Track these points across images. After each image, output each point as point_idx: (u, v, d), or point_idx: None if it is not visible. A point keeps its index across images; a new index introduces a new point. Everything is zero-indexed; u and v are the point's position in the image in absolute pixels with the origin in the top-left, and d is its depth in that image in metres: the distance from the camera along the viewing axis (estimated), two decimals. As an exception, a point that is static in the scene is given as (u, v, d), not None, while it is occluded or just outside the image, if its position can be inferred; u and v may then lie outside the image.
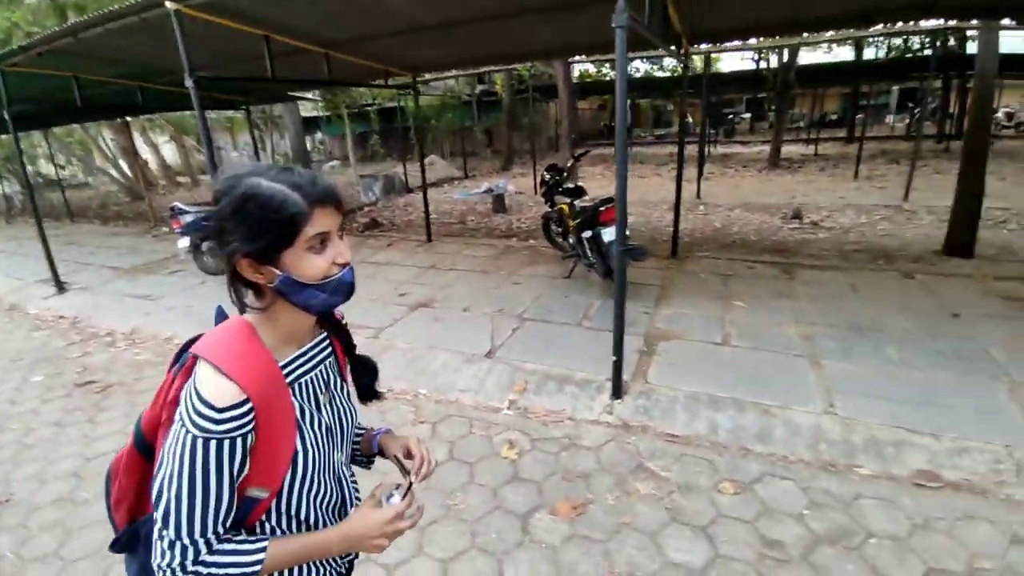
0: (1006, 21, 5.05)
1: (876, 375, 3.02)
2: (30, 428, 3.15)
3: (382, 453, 1.04)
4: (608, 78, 22.42)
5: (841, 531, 2.04)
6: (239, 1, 3.64)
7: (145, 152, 19.38)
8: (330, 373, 0.89)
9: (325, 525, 0.87)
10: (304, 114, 23.11)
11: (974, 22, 6.13)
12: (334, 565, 0.93)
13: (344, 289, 0.80)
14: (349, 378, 0.97)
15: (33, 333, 4.78)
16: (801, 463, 2.42)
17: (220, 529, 0.71)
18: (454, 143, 18.39)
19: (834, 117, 22.52)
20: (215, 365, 0.70)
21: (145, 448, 0.83)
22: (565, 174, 5.15)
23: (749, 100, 25.32)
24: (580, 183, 5.32)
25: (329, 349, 0.90)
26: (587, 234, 4.22)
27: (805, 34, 10.41)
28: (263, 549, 0.73)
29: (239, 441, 0.70)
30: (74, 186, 19.42)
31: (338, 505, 0.91)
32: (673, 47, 4.74)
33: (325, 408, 0.86)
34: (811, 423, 2.62)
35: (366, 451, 1.05)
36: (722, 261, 5.40)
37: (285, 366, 0.79)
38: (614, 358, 2.84)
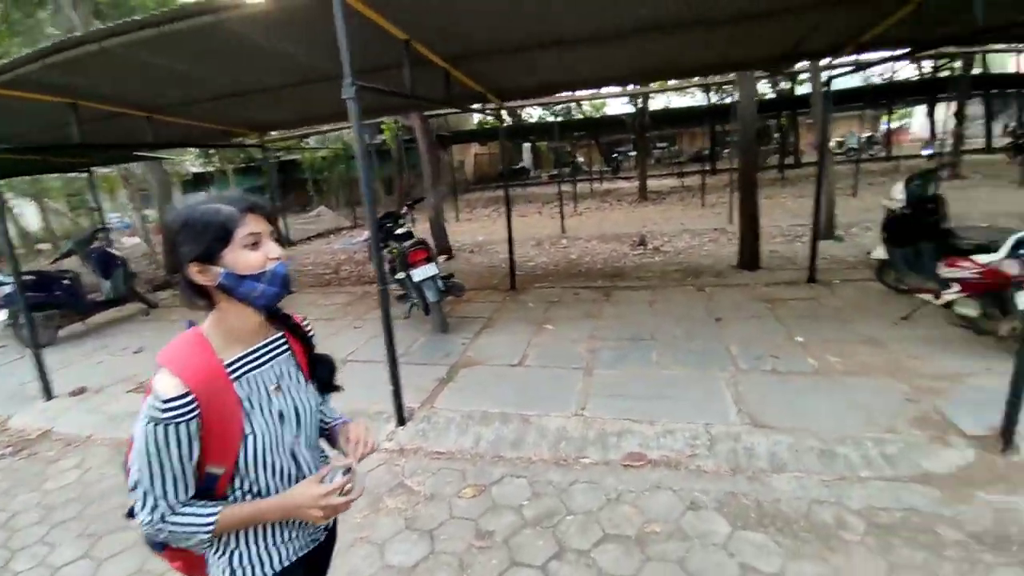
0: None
1: (631, 378, 3.50)
2: None
3: (333, 441, 1.18)
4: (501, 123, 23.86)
5: (547, 514, 2.37)
6: (39, 74, 3.56)
7: None
8: (283, 368, 1.04)
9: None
10: (194, 169, 22.30)
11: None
12: (308, 530, 1.08)
13: (279, 279, 0.95)
14: (306, 371, 1.10)
15: None
16: (540, 462, 2.77)
17: (182, 496, 0.89)
18: (350, 192, 18.52)
19: (706, 152, 25.41)
20: (165, 366, 0.89)
21: None
22: (400, 220, 5.49)
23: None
24: (413, 227, 5.68)
25: (283, 347, 1.06)
26: (401, 275, 4.53)
27: (657, 83, 11.94)
28: (215, 512, 0.91)
29: (183, 426, 0.86)
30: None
31: (296, 480, 1.03)
32: (479, 104, 5.34)
33: (276, 397, 1.00)
34: (559, 425, 3.00)
35: (335, 439, 1.18)
36: (555, 289, 5.93)
37: (232, 363, 0.95)
38: (391, 387, 3.09)
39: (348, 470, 1.00)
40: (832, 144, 21.36)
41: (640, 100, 13.29)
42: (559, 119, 16.97)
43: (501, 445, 2.91)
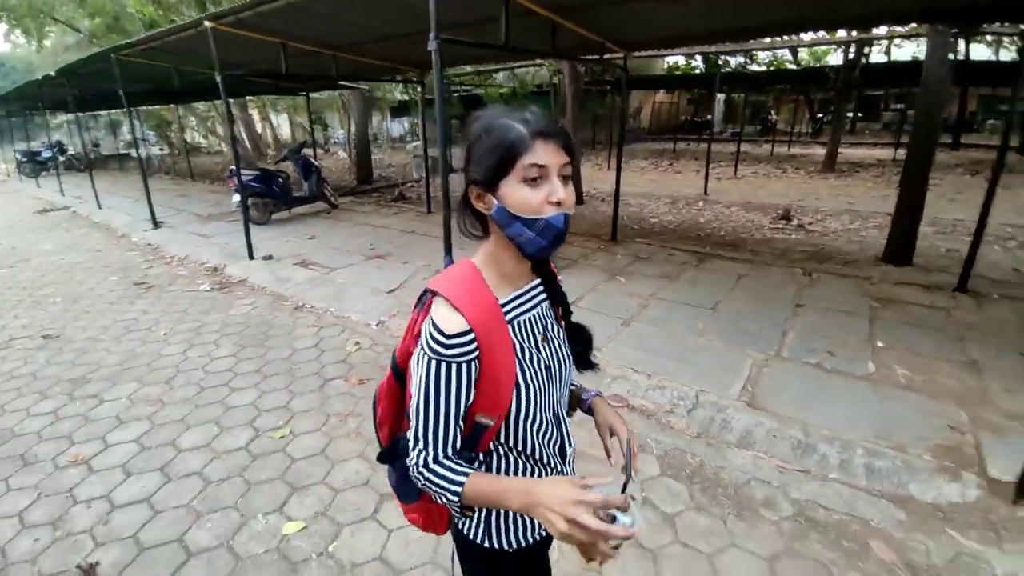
0: None
1: (664, 337, 3.61)
2: (93, 301, 4.84)
3: (591, 412, 1.07)
4: (697, 71, 21.87)
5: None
6: (256, 20, 4.96)
7: (260, 126, 22.86)
8: (546, 318, 0.93)
9: (544, 459, 0.93)
10: (400, 98, 25.50)
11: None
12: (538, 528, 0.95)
13: (552, 233, 0.79)
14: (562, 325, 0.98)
15: (127, 252, 6.74)
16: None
17: (448, 446, 0.81)
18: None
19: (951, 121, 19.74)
20: (446, 299, 0.79)
21: (400, 376, 0.97)
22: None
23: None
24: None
25: (544, 295, 0.94)
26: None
27: (877, 29, 9.85)
28: (466, 474, 0.79)
29: (464, 366, 0.78)
30: (212, 153, 23.54)
31: (557, 442, 0.95)
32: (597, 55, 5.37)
33: (543, 348, 0.90)
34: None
35: (572, 403, 1.08)
36: (653, 247, 5.90)
37: (505, 304, 0.85)
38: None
39: (623, 487, 0.81)
40: None
41: (852, 49, 11.00)
42: (751, 68, 14.98)
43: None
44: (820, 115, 20.77)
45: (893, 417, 2.67)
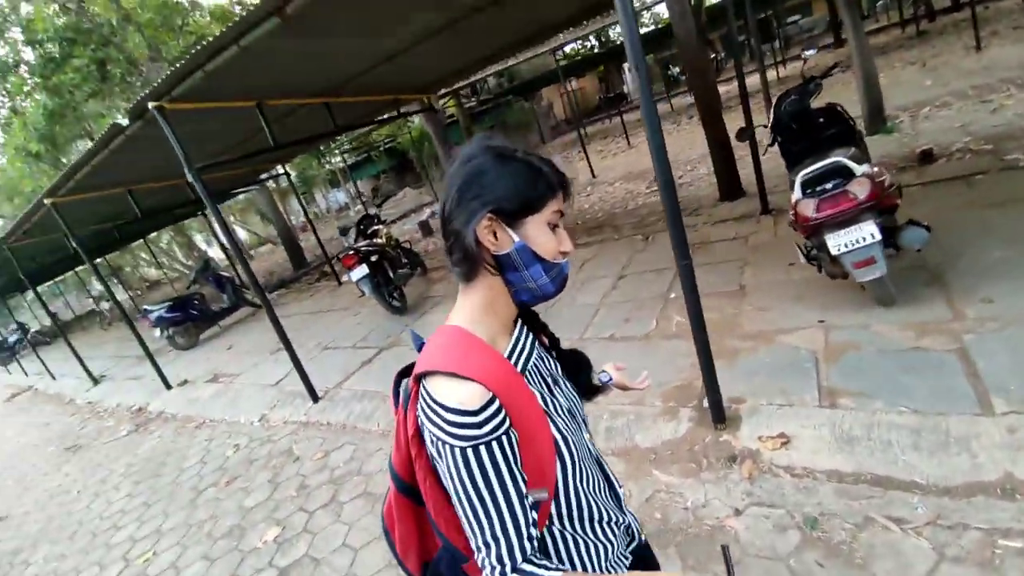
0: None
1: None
2: (34, 476, 5.23)
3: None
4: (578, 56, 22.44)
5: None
6: (221, 81, 3.39)
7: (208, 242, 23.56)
8: (546, 359, 0.84)
9: (602, 513, 0.82)
10: (331, 168, 26.23)
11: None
12: (620, 552, 0.87)
13: (561, 280, 0.76)
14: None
15: (68, 417, 7.17)
16: (371, 434, 3.52)
17: (527, 542, 0.66)
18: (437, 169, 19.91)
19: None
20: (449, 373, 0.66)
21: (408, 491, 0.80)
22: (375, 222, 6.35)
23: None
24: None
25: (532, 336, 0.83)
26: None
27: None
28: (561, 570, 0.67)
29: (505, 439, 0.65)
30: (174, 279, 24.22)
31: (605, 488, 0.86)
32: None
33: (557, 391, 0.81)
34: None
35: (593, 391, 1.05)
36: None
37: (509, 356, 0.75)
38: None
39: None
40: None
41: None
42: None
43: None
44: (713, 55, 21.17)
45: (648, 371, 2.96)
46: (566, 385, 0.85)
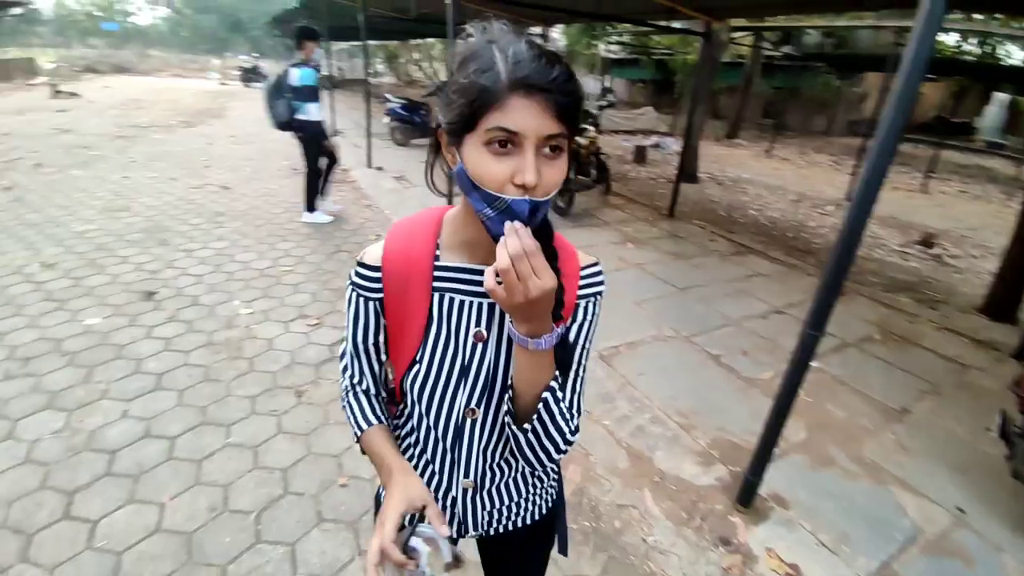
0: None
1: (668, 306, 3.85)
2: (261, 177, 6.84)
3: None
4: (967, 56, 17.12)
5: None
6: None
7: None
8: (491, 320, 0.72)
9: (424, 459, 0.81)
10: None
11: None
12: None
13: (514, 217, 0.57)
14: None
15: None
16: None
17: (364, 379, 0.79)
18: (715, 101, 17.86)
19: None
20: (387, 233, 0.74)
21: None
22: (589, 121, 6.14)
23: None
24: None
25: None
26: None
27: None
28: (369, 424, 0.77)
29: (361, 300, 0.74)
30: (426, 84, 27.15)
31: (447, 460, 0.79)
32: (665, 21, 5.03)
33: (471, 346, 0.72)
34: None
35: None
36: (705, 232, 5.69)
37: (441, 267, 0.71)
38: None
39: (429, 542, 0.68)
40: None
41: None
42: None
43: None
44: None
45: (721, 414, 2.68)
46: (494, 355, 0.72)
